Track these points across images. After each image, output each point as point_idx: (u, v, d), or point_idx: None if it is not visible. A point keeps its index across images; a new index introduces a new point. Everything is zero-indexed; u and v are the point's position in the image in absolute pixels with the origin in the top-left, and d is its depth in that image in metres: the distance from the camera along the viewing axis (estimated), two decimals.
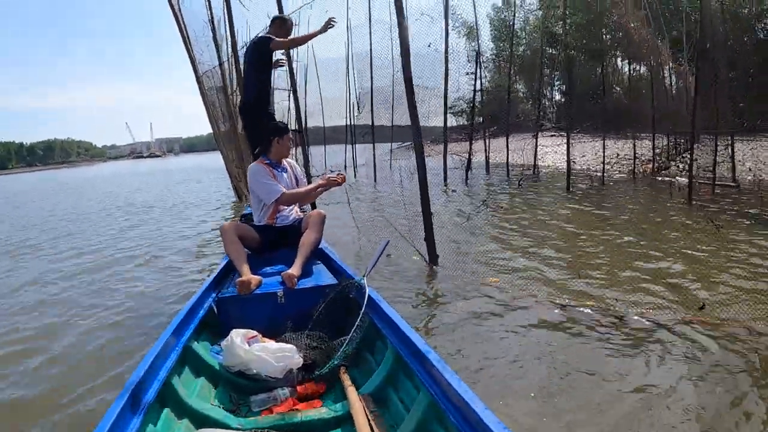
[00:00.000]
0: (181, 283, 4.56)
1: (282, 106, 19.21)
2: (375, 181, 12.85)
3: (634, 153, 10.93)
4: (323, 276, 2.82)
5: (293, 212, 3.41)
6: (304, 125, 19.59)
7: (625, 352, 2.64)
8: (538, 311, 3.25)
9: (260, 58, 4.46)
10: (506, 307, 3.35)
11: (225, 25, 9.49)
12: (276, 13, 5.84)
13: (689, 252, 4.44)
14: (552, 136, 12.37)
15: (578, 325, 3.00)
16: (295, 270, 2.67)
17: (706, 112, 7.77)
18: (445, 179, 11.22)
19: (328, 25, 4.56)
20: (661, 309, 3.15)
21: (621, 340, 2.77)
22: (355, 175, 14.33)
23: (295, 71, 17.83)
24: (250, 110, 4.50)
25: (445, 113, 11.62)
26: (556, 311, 3.23)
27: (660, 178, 10.41)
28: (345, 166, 15.78)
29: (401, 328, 1.96)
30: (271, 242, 3.25)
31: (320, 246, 3.29)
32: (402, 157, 14.51)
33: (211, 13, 8.91)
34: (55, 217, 11.16)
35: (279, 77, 18.12)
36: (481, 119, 12.65)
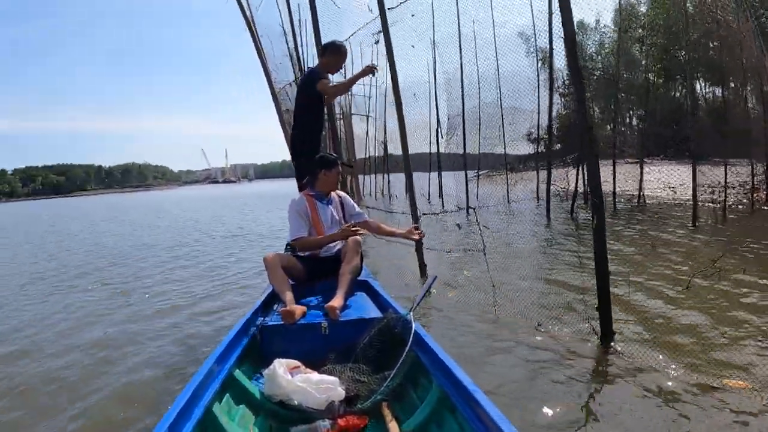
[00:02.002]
0: None
1: (360, 131, 20.10)
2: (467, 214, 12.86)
3: (753, 182, 10.49)
4: (368, 309, 3.09)
5: (337, 243, 3.66)
6: (386, 151, 20.41)
7: None
8: None
9: (309, 95, 4.70)
10: None
11: (303, 34, 9.84)
12: (374, 7, 5.84)
13: None
14: (634, 162, 12.00)
15: None
16: (337, 301, 2.95)
17: None
18: (548, 214, 10.96)
19: (370, 70, 4.90)
20: None
21: None
22: (443, 205, 14.48)
23: (372, 96, 18.66)
24: (299, 144, 4.79)
25: (550, 135, 11.65)
26: None
27: None
28: (428, 197, 16.07)
29: (447, 365, 2.13)
30: (314, 272, 3.56)
31: (366, 278, 3.61)
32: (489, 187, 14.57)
33: (291, 19, 9.06)
34: None
35: (355, 103, 19.12)
36: (559, 146, 12.59)
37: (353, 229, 3.46)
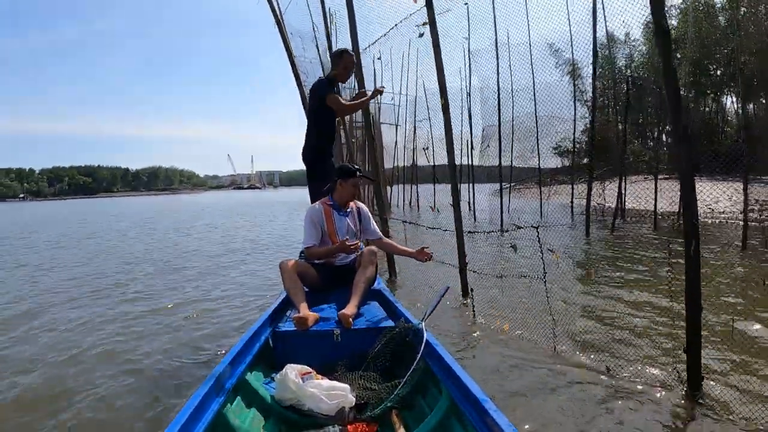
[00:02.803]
0: None
1: (388, 140, 20.21)
2: (501, 227, 11.98)
3: None
4: (380, 318, 3.19)
5: (353, 253, 3.75)
6: (414, 161, 20.48)
7: None
8: None
9: (318, 106, 4.85)
10: None
11: (336, 33, 9.85)
12: None
13: None
14: (665, 178, 11.69)
15: None
16: (350, 310, 3.06)
17: None
18: (588, 231, 10.59)
19: (377, 92, 5.20)
20: None
21: None
22: (475, 219, 14.37)
23: (402, 105, 18.71)
24: (309, 154, 4.93)
25: (592, 146, 11.57)
26: None
27: None
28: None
29: (458, 375, 2.20)
30: (329, 280, 3.68)
31: (378, 287, 3.73)
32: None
33: (324, 14, 8.94)
34: None
35: (384, 111, 19.26)
36: (587, 160, 12.56)
37: (350, 244, 3.53)
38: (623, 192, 11.65)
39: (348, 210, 3.88)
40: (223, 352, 3.87)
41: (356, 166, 3.85)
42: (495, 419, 1.79)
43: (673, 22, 14.12)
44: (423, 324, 2.76)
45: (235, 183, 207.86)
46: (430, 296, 5.15)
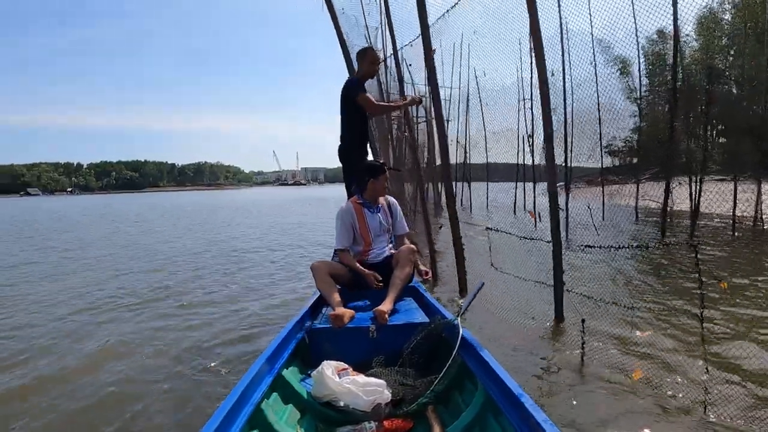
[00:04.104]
0: None
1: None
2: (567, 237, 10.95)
3: None
4: (415, 314, 3.30)
5: (385, 249, 3.94)
6: (466, 158, 20.33)
7: None
8: None
9: (348, 104, 5.05)
10: None
11: (383, 29, 9.80)
12: None
13: None
14: (720, 180, 11.19)
15: None
16: (386, 306, 3.17)
17: None
18: (663, 235, 9.79)
19: (413, 101, 5.53)
20: None
21: None
22: (540, 218, 13.93)
23: (454, 99, 18.50)
24: (343, 153, 5.16)
25: (671, 141, 11.26)
26: None
27: None
28: (514, 210, 15.88)
29: (494, 370, 2.27)
30: (361, 279, 3.75)
31: (413, 284, 3.84)
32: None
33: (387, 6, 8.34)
34: None
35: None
36: (636, 160, 12.21)
37: (375, 283, 3.62)
38: (697, 193, 11.19)
39: (378, 206, 4.01)
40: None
41: (381, 161, 4.01)
42: (532, 414, 1.84)
43: (727, 16, 13.71)
44: (458, 320, 2.83)
45: (280, 179, 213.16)
46: (517, 320, 4.63)
